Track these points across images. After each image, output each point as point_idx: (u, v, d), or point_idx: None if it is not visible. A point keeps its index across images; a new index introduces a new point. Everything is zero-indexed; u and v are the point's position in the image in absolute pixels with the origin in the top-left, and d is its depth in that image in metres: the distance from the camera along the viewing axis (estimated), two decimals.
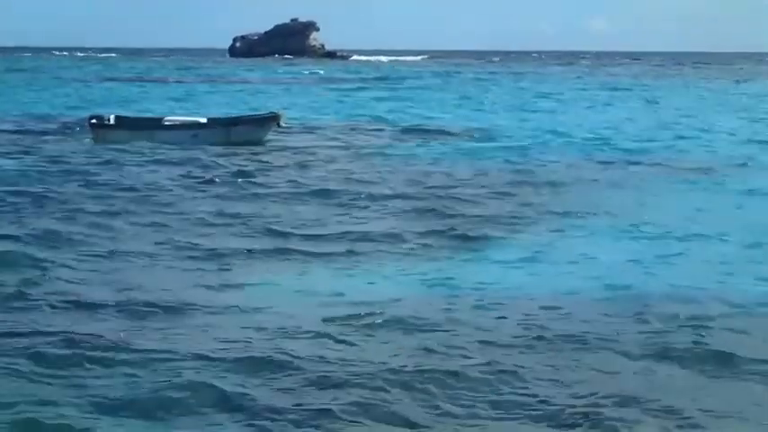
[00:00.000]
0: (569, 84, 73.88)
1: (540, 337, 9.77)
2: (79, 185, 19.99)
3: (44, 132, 31.63)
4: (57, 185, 19.92)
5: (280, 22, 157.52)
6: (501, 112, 42.61)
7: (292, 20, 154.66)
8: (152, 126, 29.08)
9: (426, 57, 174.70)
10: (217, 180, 21.10)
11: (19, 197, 18.27)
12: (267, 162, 24.79)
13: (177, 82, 70.91)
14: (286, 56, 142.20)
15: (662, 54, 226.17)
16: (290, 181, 21.25)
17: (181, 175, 21.83)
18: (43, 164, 23.63)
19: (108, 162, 23.90)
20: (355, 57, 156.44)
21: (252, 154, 26.17)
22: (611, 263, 13.24)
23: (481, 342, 9.61)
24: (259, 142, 28.55)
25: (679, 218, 16.60)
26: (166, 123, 29.30)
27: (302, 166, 24.20)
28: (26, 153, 25.75)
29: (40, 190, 19.17)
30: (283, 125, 29.60)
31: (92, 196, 18.60)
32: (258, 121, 29.78)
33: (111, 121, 28.97)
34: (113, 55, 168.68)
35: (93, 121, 29.09)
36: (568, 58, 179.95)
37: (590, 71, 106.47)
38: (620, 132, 32.85)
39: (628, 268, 12.93)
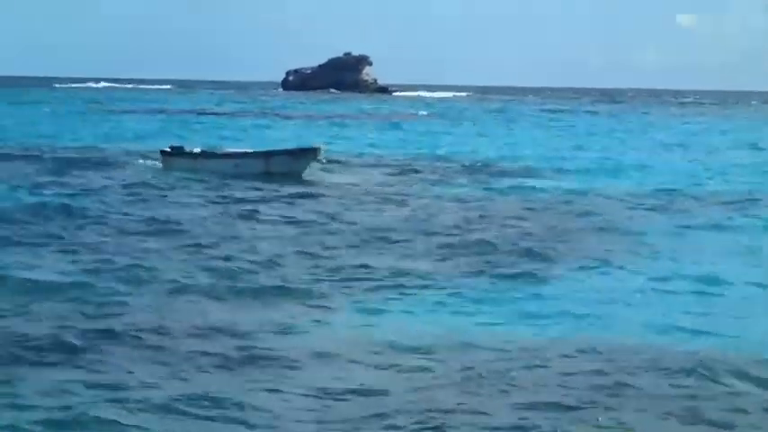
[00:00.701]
0: (623, 121, 73.78)
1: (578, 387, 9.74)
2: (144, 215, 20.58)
3: (113, 162, 32.59)
4: (127, 212, 20.87)
5: (327, 56, 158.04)
6: (553, 149, 42.64)
7: (345, 54, 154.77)
8: (206, 156, 30.59)
9: (472, 93, 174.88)
10: (259, 215, 21.35)
11: (92, 226, 18.88)
12: (311, 196, 25.06)
13: (231, 115, 71.64)
14: (338, 90, 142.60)
15: (709, 92, 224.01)
16: (333, 217, 21.35)
17: (221, 209, 22.27)
18: (113, 192, 24.57)
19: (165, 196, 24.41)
20: (408, 93, 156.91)
21: (294, 187, 26.51)
22: (657, 309, 13.21)
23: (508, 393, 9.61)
24: (298, 174, 29.09)
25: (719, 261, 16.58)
26: (217, 153, 31.41)
27: (347, 201, 24.38)
28: (90, 183, 26.65)
29: (115, 217, 20.17)
30: (322, 160, 29.95)
31: (152, 226, 19.12)
32: (296, 153, 30.37)
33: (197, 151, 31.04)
34: (168, 87, 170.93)
35: (166, 150, 31.05)
36: (615, 94, 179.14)
37: (641, 110, 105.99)
38: (682, 174, 32.60)
39: (673, 315, 12.88)
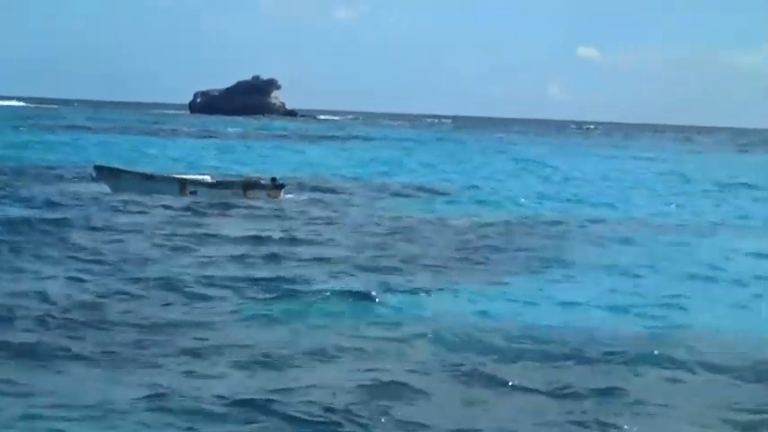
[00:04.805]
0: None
1: None
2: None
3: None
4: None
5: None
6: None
7: (254, 77, 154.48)
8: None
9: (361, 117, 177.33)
10: None
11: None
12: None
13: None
14: (247, 114, 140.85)
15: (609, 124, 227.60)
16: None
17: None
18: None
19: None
20: (321, 116, 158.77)
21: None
22: None
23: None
24: None
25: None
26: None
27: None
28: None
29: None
30: None
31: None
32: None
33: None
34: (74, 105, 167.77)
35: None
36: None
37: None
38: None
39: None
